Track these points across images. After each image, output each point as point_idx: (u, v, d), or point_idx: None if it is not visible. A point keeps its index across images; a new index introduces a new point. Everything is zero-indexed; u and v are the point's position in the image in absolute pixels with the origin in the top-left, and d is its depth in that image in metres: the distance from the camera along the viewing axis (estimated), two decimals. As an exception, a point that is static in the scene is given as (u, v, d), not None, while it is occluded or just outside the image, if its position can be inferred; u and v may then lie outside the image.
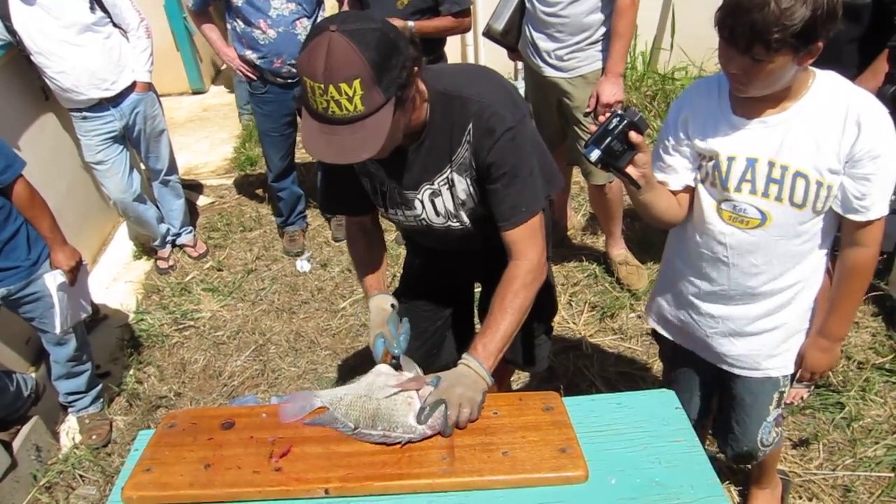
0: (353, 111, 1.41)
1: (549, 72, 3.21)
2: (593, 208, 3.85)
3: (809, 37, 1.41)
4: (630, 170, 1.63)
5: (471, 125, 1.65)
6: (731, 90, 1.65)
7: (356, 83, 1.38)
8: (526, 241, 1.71)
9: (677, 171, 1.79)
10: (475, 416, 1.55)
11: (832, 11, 1.40)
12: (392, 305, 1.90)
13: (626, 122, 1.56)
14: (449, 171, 1.73)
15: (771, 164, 1.62)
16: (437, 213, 1.83)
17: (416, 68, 1.51)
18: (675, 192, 1.82)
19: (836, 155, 1.56)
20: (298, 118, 3.90)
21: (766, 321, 1.85)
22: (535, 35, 3.18)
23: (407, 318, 1.90)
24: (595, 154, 1.58)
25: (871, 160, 1.53)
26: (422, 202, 1.81)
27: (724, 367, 1.96)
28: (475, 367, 1.60)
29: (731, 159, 1.66)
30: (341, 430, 1.54)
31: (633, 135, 1.56)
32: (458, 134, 1.67)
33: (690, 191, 1.81)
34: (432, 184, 1.77)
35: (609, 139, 1.57)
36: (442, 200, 1.80)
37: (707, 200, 1.75)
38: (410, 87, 1.51)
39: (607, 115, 1.59)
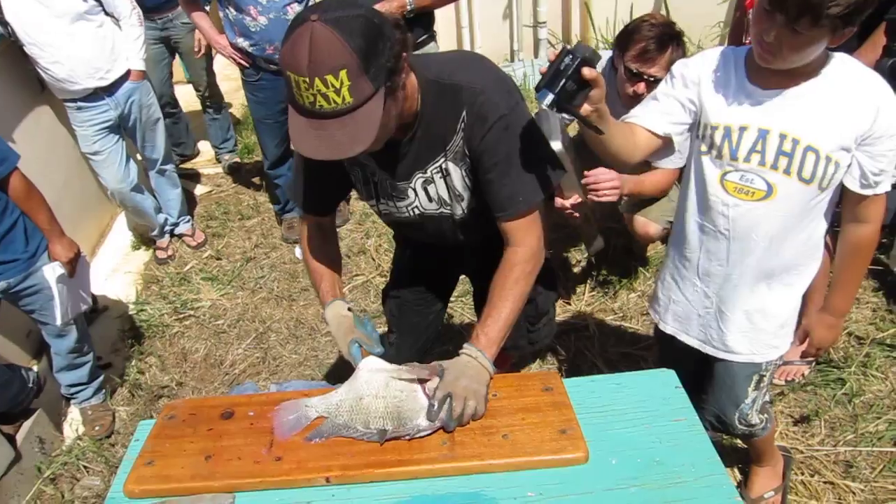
0: (341, 103, 1.35)
1: None
2: None
3: (851, 19, 1.40)
4: (585, 108, 1.49)
5: (464, 113, 1.61)
6: (746, 60, 1.63)
7: (343, 74, 1.32)
8: (524, 229, 1.69)
9: (660, 115, 1.74)
10: (481, 412, 1.52)
11: None
12: (349, 310, 1.81)
13: (579, 59, 1.40)
14: (443, 160, 1.70)
15: (783, 137, 1.60)
16: (430, 200, 1.80)
17: (404, 53, 1.46)
18: (650, 133, 1.74)
19: (850, 133, 1.55)
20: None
21: (759, 305, 1.85)
22: None
23: (368, 317, 1.80)
24: (549, 98, 1.43)
25: (889, 138, 1.53)
26: (414, 190, 1.78)
27: (709, 351, 1.97)
28: (478, 357, 1.58)
29: (742, 129, 1.64)
30: (347, 436, 1.51)
31: (586, 71, 1.40)
32: (451, 122, 1.63)
33: (656, 140, 1.75)
34: (425, 172, 1.73)
35: (563, 80, 1.41)
36: (435, 188, 1.77)
37: (711, 172, 1.73)
38: (400, 74, 1.45)
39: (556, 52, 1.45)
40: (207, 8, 3.93)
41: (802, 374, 2.84)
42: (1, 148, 2.54)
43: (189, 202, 4.66)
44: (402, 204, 1.82)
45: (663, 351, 2.32)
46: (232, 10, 3.54)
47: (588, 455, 1.44)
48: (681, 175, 2.14)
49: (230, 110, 5.95)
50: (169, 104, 4.82)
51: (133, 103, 3.69)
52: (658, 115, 1.74)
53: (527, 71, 5.68)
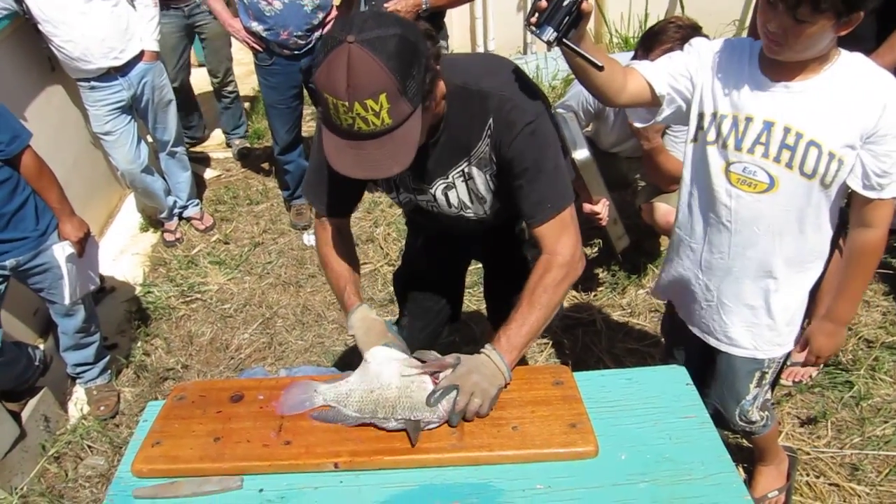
0: (380, 126, 1.34)
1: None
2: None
3: (855, 3, 1.39)
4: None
5: (491, 119, 1.59)
6: (760, 53, 1.62)
7: (382, 97, 1.31)
8: (556, 235, 1.65)
9: (667, 76, 1.72)
10: (485, 411, 1.49)
11: None
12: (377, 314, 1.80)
13: None
14: (466, 164, 1.69)
15: (787, 130, 1.59)
16: (450, 205, 1.79)
17: (437, 67, 1.45)
18: (648, 85, 1.72)
19: (856, 130, 1.53)
20: (305, 90, 3.91)
21: (762, 300, 1.83)
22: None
23: (391, 321, 1.79)
24: (550, 33, 1.42)
25: (895, 138, 1.52)
26: (434, 195, 1.77)
27: (712, 342, 1.96)
28: (496, 359, 1.55)
29: (748, 120, 1.63)
30: (352, 424, 1.50)
31: (586, 4, 1.41)
32: (477, 129, 1.62)
33: (648, 96, 1.73)
34: (446, 177, 1.72)
35: (565, 16, 1.41)
36: (456, 193, 1.76)
37: (715, 162, 1.72)
38: (435, 90, 1.46)
39: None
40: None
41: (810, 376, 2.83)
42: (13, 125, 2.54)
43: (198, 186, 4.66)
44: (423, 198, 1.82)
45: (668, 343, 2.31)
46: (247, -7, 3.53)
47: (598, 449, 1.43)
48: None
49: (241, 94, 5.95)
50: (181, 89, 4.82)
51: (146, 84, 3.68)
52: (665, 74, 1.73)
53: (539, 63, 5.65)
